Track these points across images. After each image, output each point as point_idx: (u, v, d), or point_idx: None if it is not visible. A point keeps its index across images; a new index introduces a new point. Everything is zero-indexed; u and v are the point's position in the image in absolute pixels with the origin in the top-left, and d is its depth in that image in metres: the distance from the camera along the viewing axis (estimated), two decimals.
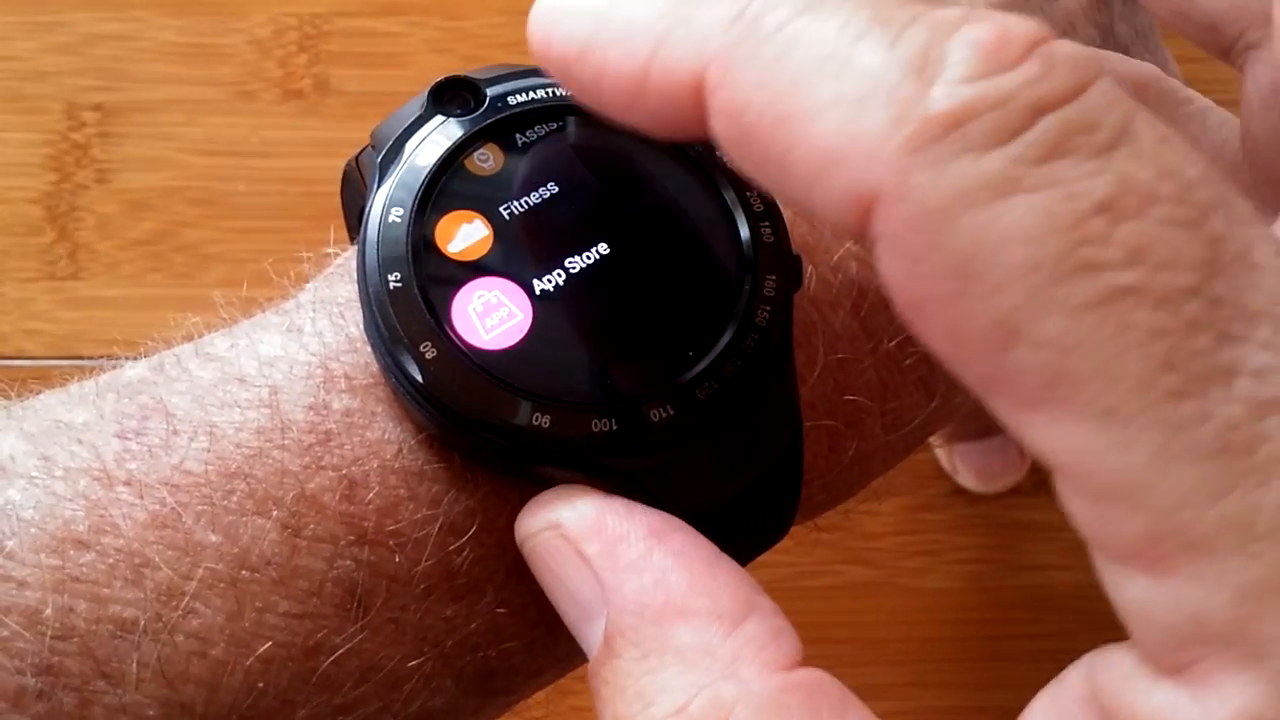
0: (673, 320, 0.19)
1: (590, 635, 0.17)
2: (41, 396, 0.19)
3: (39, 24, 0.40)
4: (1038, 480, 0.39)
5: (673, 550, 0.17)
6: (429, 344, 0.18)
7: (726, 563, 0.17)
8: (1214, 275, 0.13)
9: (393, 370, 0.18)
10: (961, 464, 0.38)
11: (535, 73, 0.21)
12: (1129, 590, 0.14)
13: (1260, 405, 0.13)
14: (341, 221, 0.23)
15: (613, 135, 0.20)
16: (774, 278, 0.20)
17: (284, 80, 0.40)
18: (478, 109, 0.20)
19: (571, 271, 0.19)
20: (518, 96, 0.20)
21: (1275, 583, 0.13)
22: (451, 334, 0.18)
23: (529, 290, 0.19)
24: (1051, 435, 0.13)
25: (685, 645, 0.16)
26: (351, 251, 0.22)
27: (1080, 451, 0.13)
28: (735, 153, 0.15)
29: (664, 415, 0.18)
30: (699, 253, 0.20)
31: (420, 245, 0.19)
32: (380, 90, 0.41)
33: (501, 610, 0.19)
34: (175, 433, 0.18)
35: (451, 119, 0.20)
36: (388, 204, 0.19)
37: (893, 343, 0.21)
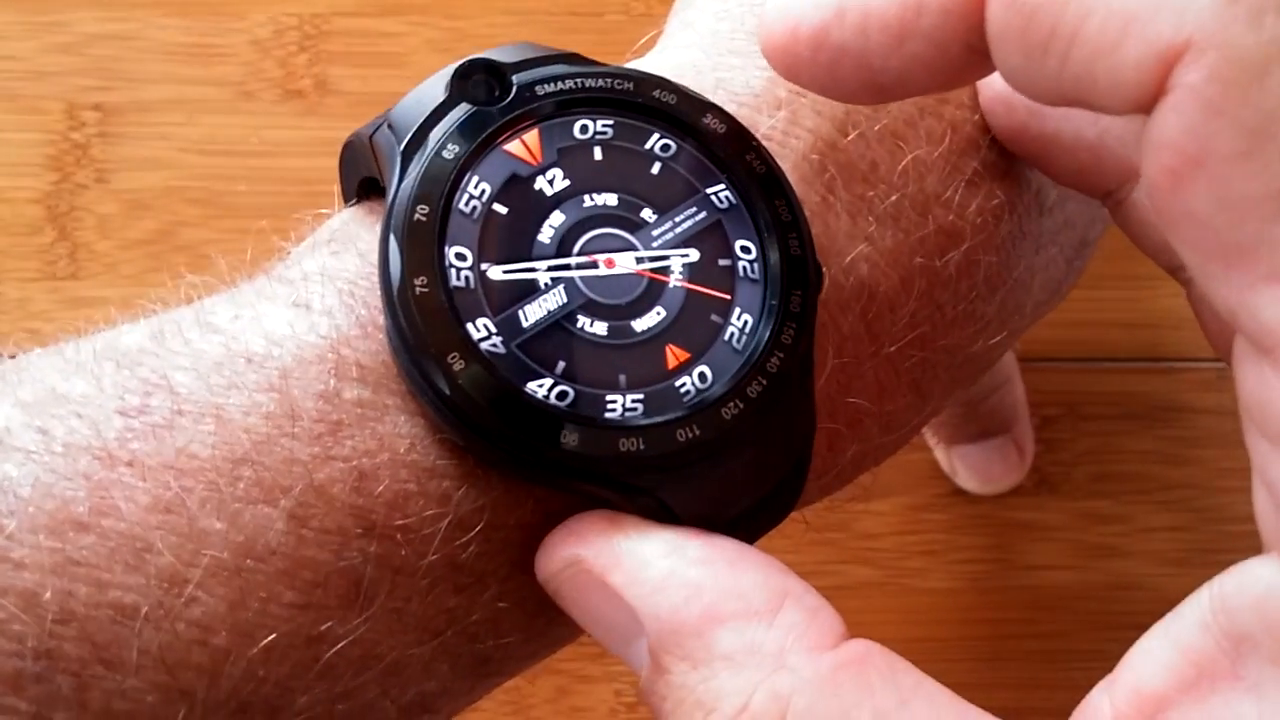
0: (700, 336, 0.19)
1: (635, 656, 0.17)
2: (33, 358, 0.18)
3: (39, 24, 0.40)
4: (1038, 480, 0.39)
5: (695, 561, 0.17)
6: (457, 355, 0.17)
7: (749, 556, 0.18)
8: None
9: (415, 379, 0.18)
10: (961, 465, 0.38)
11: (561, 58, 0.20)
12: None
13: None
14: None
15: (640, 134, 0.20)
16: (799, 293, 0.19)
17: (284, 80, 0.40)
18: (504, 97, 0.19)
19: (600, 281, 0.19)
20: (546, 86, 0.19)
21: None
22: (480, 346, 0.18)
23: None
24: None
25: (731, 648, 0.16)
26: (350, 214, 0.21)
27: None
28: (1014, 41, 0.15)
29: (690, 435, 0.18)
30: (727, 268, 0.19)
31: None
32: (380, 90, 0.41)
33: (503, 604, 0.19)
34: (180, 413, 0.17)
35: (478, 107, 0.19)
36: (412, 200, 0.18)
37: (894, 347, 0.21)
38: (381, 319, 0.18)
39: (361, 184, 0.21)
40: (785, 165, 0.21)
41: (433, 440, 0.18)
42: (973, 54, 0.16)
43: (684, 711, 0.16)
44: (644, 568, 0.17)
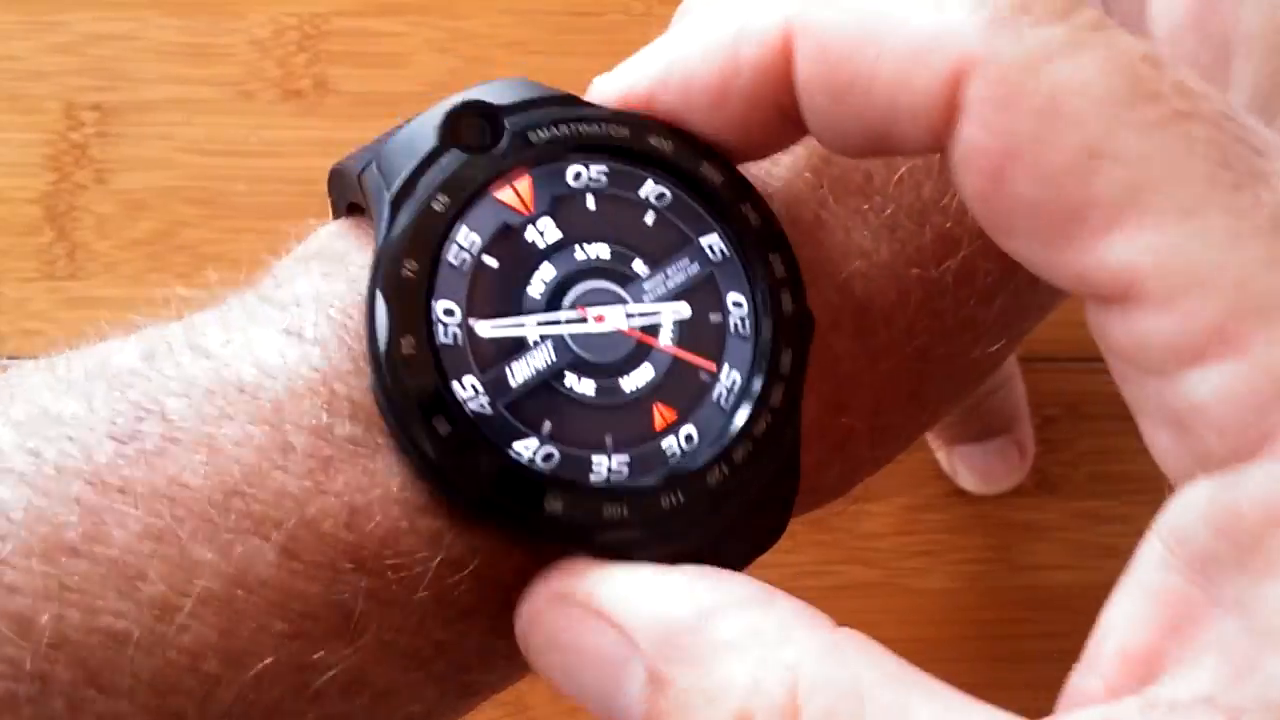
0: (688, 395, 0.19)
1: (628, 692, 0.17)
2: (25, 373, 0.18)
3: (38, 24, 0.40)
4: (1038, 480, 0.39)
5: (680, 572, 0.17)
6: (443, 419, 0.17)
7: (734, 574, 0.18)
8: (1232, 111, 0.16)
9: (401, 440, 0.17)
10: (962, 466, 0.38)
11: (556, 100, 0.19)
12: (1198, 389, 0.15)
13: None
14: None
15: (634, 181, 0.19)
16: (791, 351, 0.19)
17: (284, 80, 0.40)
18: (496, 141, 0.19)
19: (589, 338, 0.18)
20: (540, 132, 0.19)
21: None
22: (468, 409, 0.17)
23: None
24: (1132, 246, 0.15)
25: (730, 636, 0.16)
26: (339, 229, 0.21)
27: (1160, 249, 0.15)
28: (820, 91, 0.17)
29: (675, 502, 0.18)
30: (718, 323, 0.19)
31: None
32: (380, 90, 0.41)
33: (493, 638, 0.19)
34: (172, 440, 0.17)
35: (469, 155, 0.18)
36: (400, 255, 0.18)
37: (890, 362, 0.21)
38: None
39: (350, 206, 0.21)
40: (777, 184, 0.21)
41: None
42: (784, 116, 0.18)
43: (693, 710, 0.16)
44: (631, 586, 0.17)
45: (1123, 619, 0.16)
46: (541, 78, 0.21)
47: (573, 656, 0.17)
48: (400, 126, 0.19)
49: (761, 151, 0.20)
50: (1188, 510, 0.15)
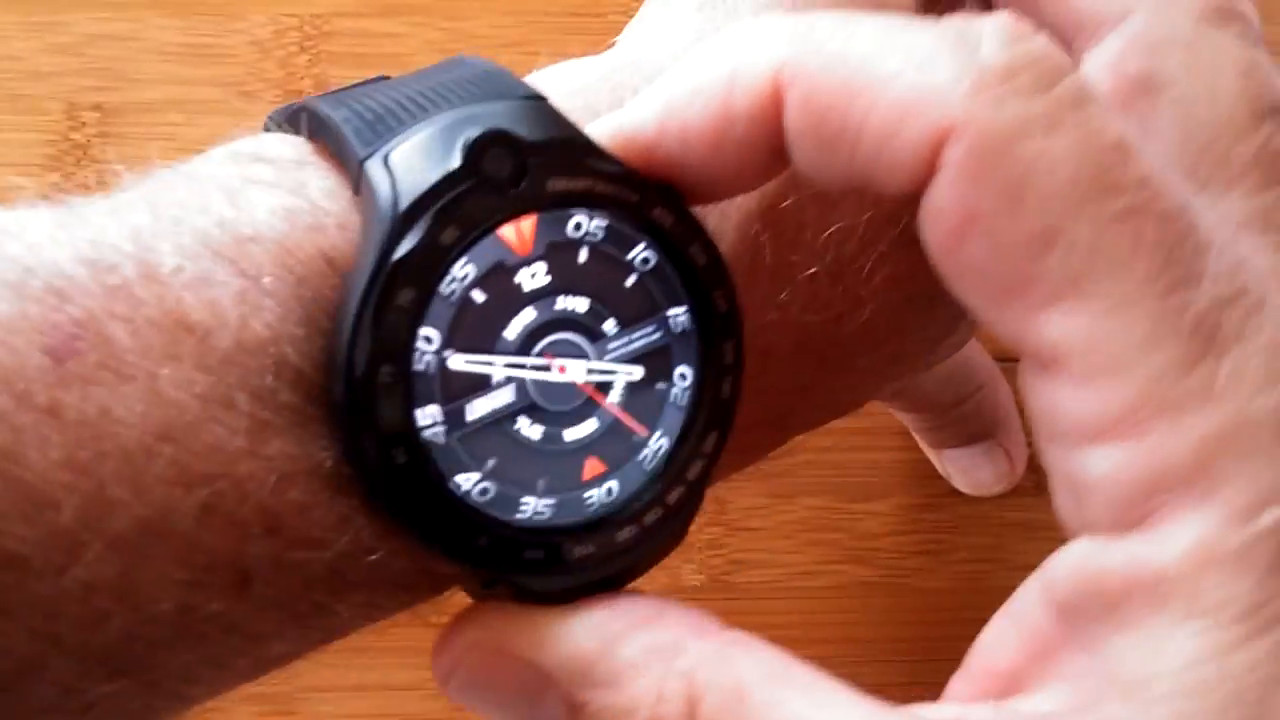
0: (619, 453, 0.20)
1: (550, 718, 0.19)
2: None
3: (39, 24, 0.40)
4: (1038, 480, 0.39)
5: (579, 607, 0.19)
6: (401, 449, 0.18)
7: (620, 595, 0.20)
8: (1188, 204, 0.17)
9: (351, 453, 0.18)
10: (952, 469, 0.38)
11: (578, 146, 0.19)
12: (1097, 464, 0.17)
13: (1217, 301, 0.16)
14: None
15: (627, 243, 0.20)
16: (716, 434, 0.20)
17: (284, 80, 0.40)
18: (514, 178, 0.18)
19: (547, 386, 0.19)
20: (558, 182, 0.19)
21: (1229, 431, 0.16)
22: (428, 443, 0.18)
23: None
24: (1066, 325, 0.16)
25: (632, 656, 0.18)
26: (293, 144, 0.20)
27: (1089, 336, 0.16)
28: (809, 138, 0.18)
29: (585, 553, 0.19)
30: (662, 390, 0.20)
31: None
32: None
33: (370, 609, 0.20)
34: (109, 370, 0.17)
35: (488, 189, 0.18)
36: (399, 284, 0.18)
37: (774, 398, 0.23)
38: (325, 322, 0.18)
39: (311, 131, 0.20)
40: (730, 224, 0.22)
41: None
42: (774, 154, 0.19)
43: None
44: (539, 627, 0.19)
45: (995, 641, 0.19)
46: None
47: (493, 693, 0.19)
48: (409, 120, 0.19)
49: (753, 184, 0.21)
50: (1065, 563, 0.18)
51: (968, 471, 0.38)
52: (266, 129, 0.22)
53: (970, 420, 0.36)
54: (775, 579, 0.38)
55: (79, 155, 0.39)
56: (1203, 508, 0.16)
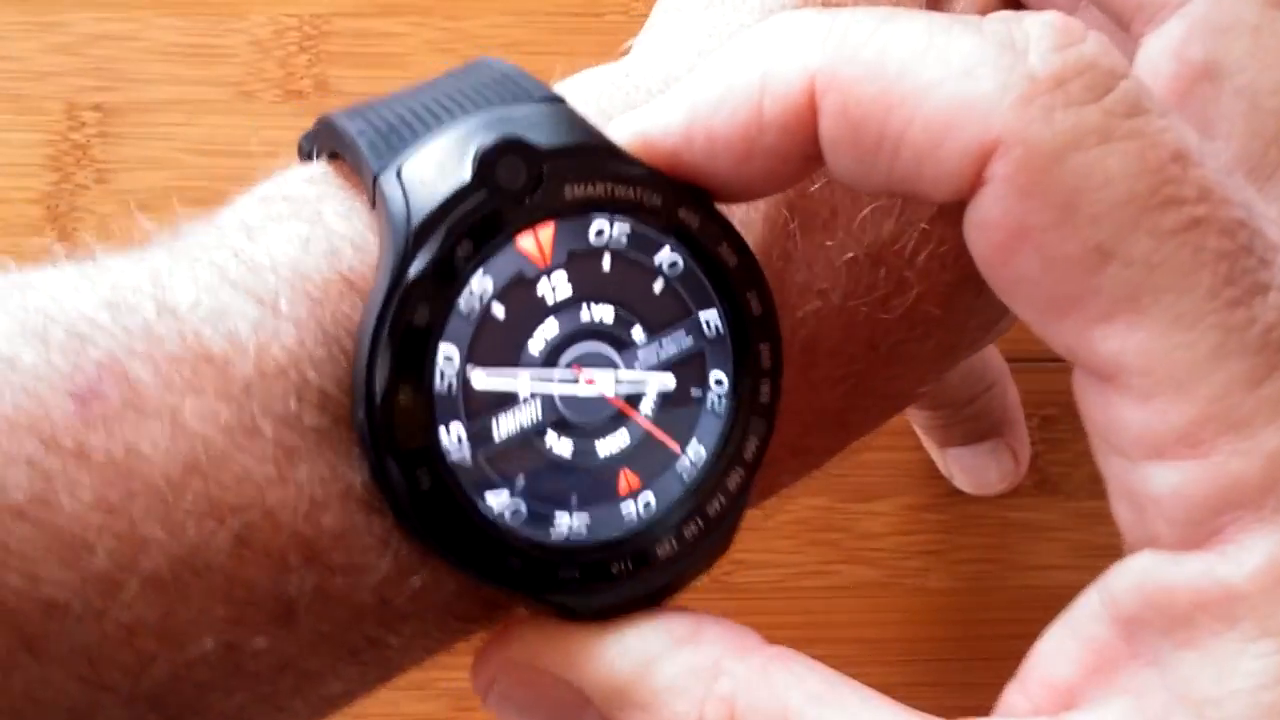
0: (655, 465, 0.19)
1: None
2: None
3: (39, 24, 0.40)
4: (1038, 480, 0.39)
5: (615, 626, 0.19)
6: (425, 470, 0.17)
7: (656, 611, 0.19)
8: (1253, 213, 0.16)
9: (378, 476, 0.17)
10: (956, 468, 0.38)
11: (597, 150, 0.19)
12: (1161, 480, 0.16)
13: None
14: None
15: (651, 246, 0.19)
16: (756, 440, 0.20)
17: (284, 80, 0.40)
18: (529, 186, 0.18)
19: (575, 400, 0.19)
20: (576, 189, 0.18)
21: None
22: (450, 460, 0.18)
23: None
24: (1124, 341, 0.16)
25: (671, 678, 0.18)
26: (312, 176, 0.20)
27: (1149, 352, 0.16)
28: (846, 148, 0.17)
29: (623, 569, 0.19)
30: (697, 398, 0.19)
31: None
32: (381, 91, 0.41)
33: (423, 636, 0.19)
34: (134, 409, 0.17)
35: (503, 198, 0.18)
36: (415, 301, 0.17)
37: (828, 393, 0.22)
38: (348, 342, 0.18)
39: (333, 154, 0.20)
40: (757, 216, 0.21)
41: None
42: (807, 160, 0.18)
43: None
44: (576, 647, 0.18)
45: (1053, 653, 0.18)
46: (542, 78, 0.21)
47: (530, 710, 0.19)
48: (423, 130, 0.19)
49: (783, 187, 0.20)
50: (1128, 576, 0.17)
51: (972, 470, 0.38)
52: (300, 149, 0.22)
53: (980, 418, 0.36)
54: (776, 579, 0.38)
55: (79, 155, 0.39)
56: (1273, 525, 0.16)
